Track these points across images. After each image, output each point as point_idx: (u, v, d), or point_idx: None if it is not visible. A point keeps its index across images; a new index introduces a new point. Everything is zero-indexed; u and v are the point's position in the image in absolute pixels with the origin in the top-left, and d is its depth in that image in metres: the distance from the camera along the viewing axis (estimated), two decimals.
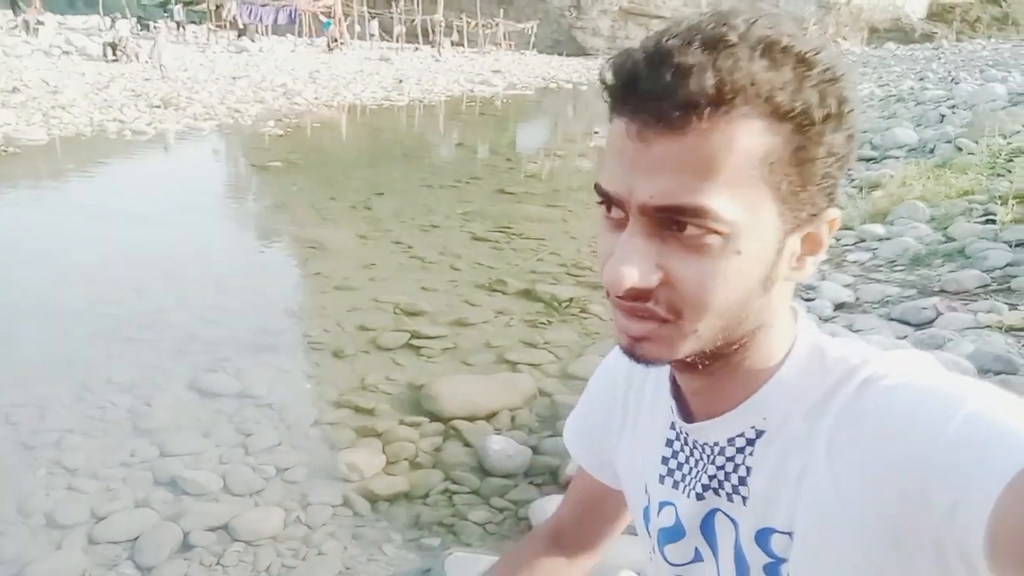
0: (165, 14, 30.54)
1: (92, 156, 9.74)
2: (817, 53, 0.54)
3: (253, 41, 27.91)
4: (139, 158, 10.05)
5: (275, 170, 9.32)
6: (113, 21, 25.09)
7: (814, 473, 0.57)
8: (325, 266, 5.47)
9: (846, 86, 0.55)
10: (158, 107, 13.54)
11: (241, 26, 29.28)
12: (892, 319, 3.69)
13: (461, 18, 40.16)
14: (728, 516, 0.65)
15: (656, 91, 0.52)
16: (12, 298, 4.64)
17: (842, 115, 0.55)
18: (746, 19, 0.53)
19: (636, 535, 0.79)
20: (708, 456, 0.66)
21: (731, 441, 0.64)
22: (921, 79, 16.51)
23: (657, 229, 0.55)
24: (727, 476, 0.65)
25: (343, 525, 2.58)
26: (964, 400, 0.51)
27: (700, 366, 0.61)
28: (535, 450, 3.02)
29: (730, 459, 0.64)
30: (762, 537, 0.62)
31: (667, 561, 0.73)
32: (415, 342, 4.10)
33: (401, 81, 22.64)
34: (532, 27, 43.39)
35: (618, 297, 0.57)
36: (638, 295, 0.56)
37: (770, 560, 0.62)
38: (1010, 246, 4.37)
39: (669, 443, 0.72)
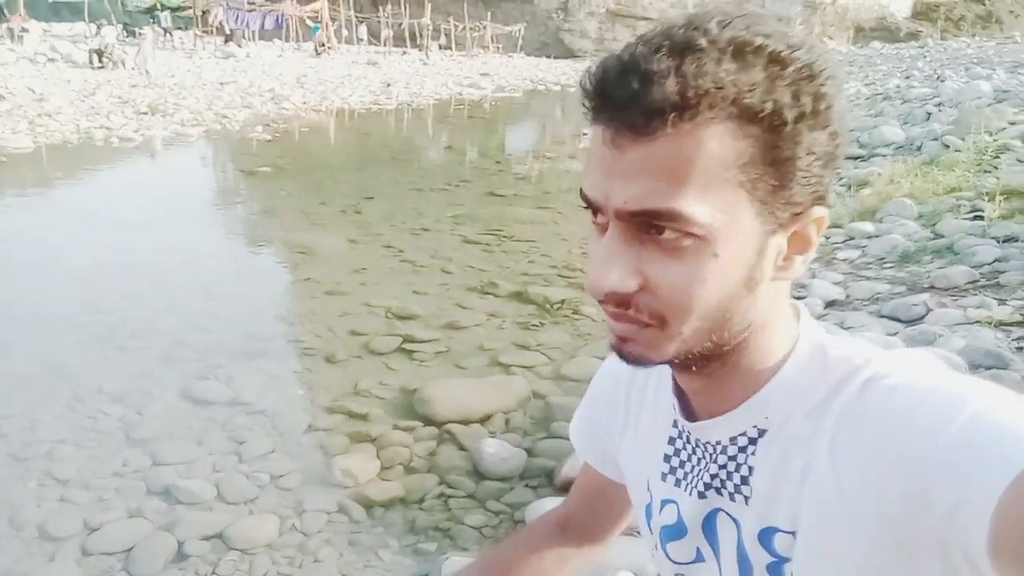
0: (151, 20, 30.37)
1: (79, 163, 9.69)
2: (794, 51, 0.53)
3: (240, 46, 27.87)
4: (127, 165, 10.01)
5: (264, 175, 9.30)
6: (99, 28, 24.98)
7: (817, 472, 0.57)
8: (316, 271, 5.45)
9: (825, 83, 0.54)
10: (145, 114, 13.48)
11: (228, 32, 29.22)
12: (883, 316, 3.71)
13: (448, 21, 40.18)
14: (730, 516, 0.65)
15: (624, 99, 0.53)
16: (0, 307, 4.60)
17: (819, 113, 0.54)
18: (720, 21, 0.53)
19: (634, 536, 0.80)
20: (710, 455, 0.66)
21: (733, 440, 0.64)
22: (907, 77, 16.63)
23: (636, 234, 0.56)
24: (729, 475, 0.65)
25: (339, 532, 2.57)
26: (965, 400, 0.51)
27: (694, 367, 0.62)
28: (530, 452, 3.02)
29: (732, 458, 0.64)
30: (765, 536, 0.62)
31: (670, 559, 0.73)
32: (407, 346, 4.09)
33: (389, 85, 22.63)
34: (519, 30, 43.47)
35: (600, 301, 0.58)
36: (619, 300, 0.57)
37: (773, 559, 0.61)
38: (998, 242, 4.41)
39: (671, 441, 0.72)
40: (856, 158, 8.06)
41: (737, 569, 0.65)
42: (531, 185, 9.70)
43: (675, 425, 0.71)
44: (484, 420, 3.30)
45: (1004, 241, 4.39)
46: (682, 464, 0.70)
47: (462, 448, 3.09)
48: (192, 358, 3.89)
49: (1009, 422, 0.48)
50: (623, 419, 0.81)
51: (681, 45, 0.52)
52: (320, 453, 3.07)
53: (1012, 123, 7.65)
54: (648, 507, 0.75)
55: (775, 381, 0.62)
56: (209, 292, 5.03)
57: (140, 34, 22.37)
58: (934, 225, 5.05)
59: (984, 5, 51.74)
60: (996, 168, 6.08)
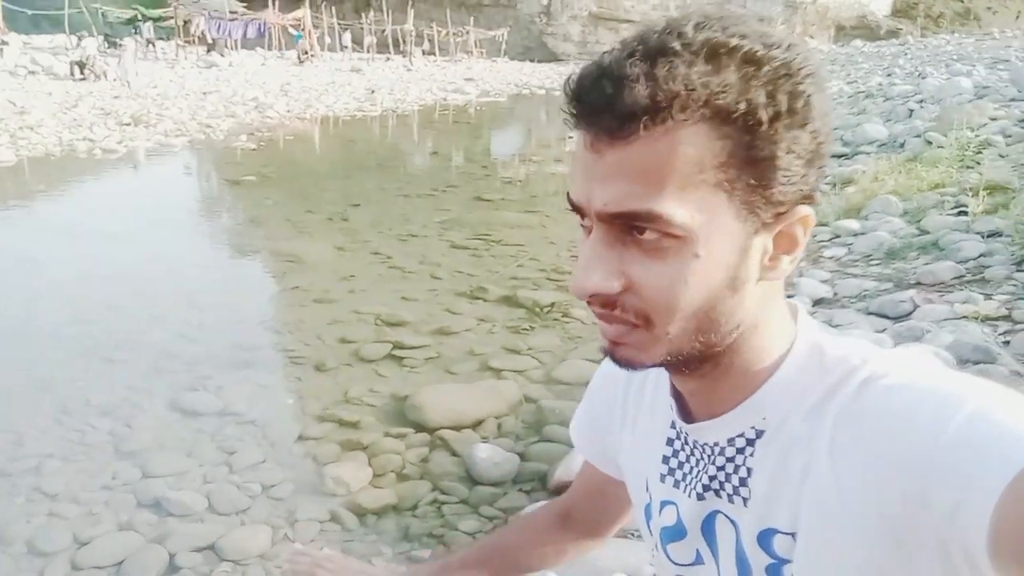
0: (133, 31, 30.19)
1: (62, 176, 9.61)
2: (770, 50, 0.53)
3: (222, 56, 27.74)
4: (110, 176, 9.93)
5: (249, 184, 9.25)
6: (80, 40, 24.79)
7: (816, 473, 0.57)
8: (303, 279, 5.43)
9: (803, 82, 0.54)
10: (128, 125, 13.37)
11: (210, 41, 29.08)
12: (870, 313, 3.73)
13: (432, 27, 40.20)
14: (728, 518, 0.65)
15: (599, 104, 0.54)
16: None
17: (796, 111, 0.53)
18: (698, 24, 0.53)
19: (628, 539, 0.79)
20: (708, 456, 0.66)
21: (731, 441, 0.64)
22: (889, 75, 16.73)
23: (619, 235, 0.56)
24: (728, 477, 0.64)
25: (332, 540, 2.55)
26: (964, 400, 0.51)
27: (686, 369, 0.62)
28: (522, 457, 3.02)
29: (730, 459, 0.64)
30: (764, 538, 0.62)
31: (670, 560, 0.73)
32: (397, 352, 4.08)
33: (373, 91, 22.59)
34: (503, 34, 43.56)
35: (588, 303, 0.59)
36: (604, 301, 0.58)
37: (772, 561, 0.61)
38: (982, 237, 4.45)
39: (670, 442, 0.72)
40: (840, 156, 8.11)
41: (736, 571, 0.65)
42: (518, 189, 9.71)
43: (673, 427, 0.71)
44: (476, 425, 3.29)
45: (988, 236, 4.43)
46: (681, 466, 0.70)
47: (454, 454, 3.08)
48: (180, 369, 3.86)
49: (1008, 421, 0.48)
50: (621, 418, 0.81)
51: (654, 49, 0.53)
52: (311, 462, 3.06)
53: (993, 119, 7.72)
54: (648, 508, 0.75)
55: (772, 382, 0.61)
56: (195, 302, 4.99)
57: (121, 45, 22.21)
58: (919, 221, 5.09)
59: (962, 2, 52.27)
60: (979, 163, 6.13)
